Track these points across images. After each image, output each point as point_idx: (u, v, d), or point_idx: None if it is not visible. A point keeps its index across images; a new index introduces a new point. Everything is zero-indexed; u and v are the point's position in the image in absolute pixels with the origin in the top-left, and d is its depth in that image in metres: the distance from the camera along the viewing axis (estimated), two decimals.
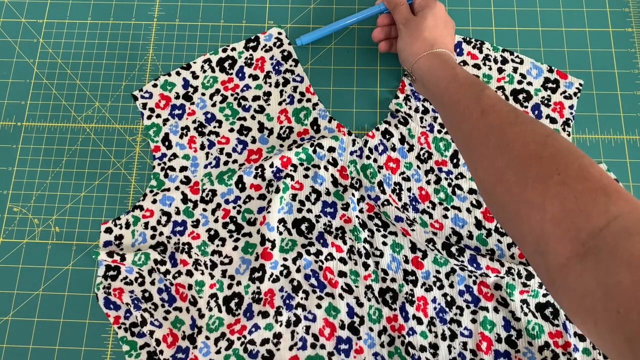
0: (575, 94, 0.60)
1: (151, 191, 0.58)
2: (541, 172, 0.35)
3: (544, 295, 0.53)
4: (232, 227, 0.56)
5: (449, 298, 0.54)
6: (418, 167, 0.58)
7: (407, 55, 0.53)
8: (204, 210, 0.57)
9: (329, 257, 0.54)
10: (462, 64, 0.61)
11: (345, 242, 0.55)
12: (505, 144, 0.38)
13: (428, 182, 0.58)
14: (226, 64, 0.62)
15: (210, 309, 0.53)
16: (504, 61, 0.62)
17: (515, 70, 0.61)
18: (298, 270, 0.54)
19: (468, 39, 0.63)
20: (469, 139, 0.42)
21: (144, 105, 0.61)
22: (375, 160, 0.58)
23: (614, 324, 0.28)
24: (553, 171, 0.34)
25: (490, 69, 0.61)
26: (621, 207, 0.31)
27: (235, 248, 0.56)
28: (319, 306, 0.53)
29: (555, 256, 0.32)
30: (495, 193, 0.38)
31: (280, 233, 0.56)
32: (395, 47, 0.59)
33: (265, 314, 0.52)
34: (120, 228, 0.56)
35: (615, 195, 0.32)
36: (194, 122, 0.60)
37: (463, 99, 0.44)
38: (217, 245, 0.56)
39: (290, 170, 0.57)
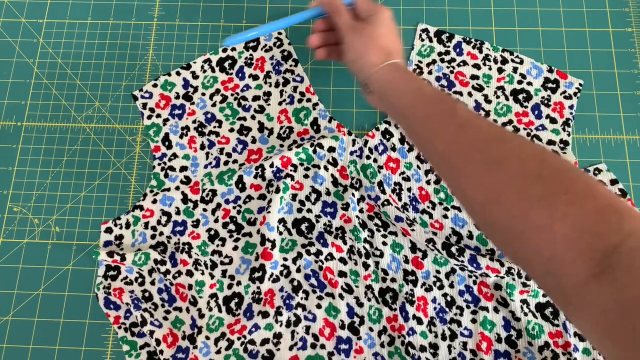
0: (575, 94, 0.60)
1: (151, 191, 0.58)
2: (547, 191, 0.33)
3: (544, 295, 0.53)
4: (232, 227, 0.56)
5: (449, 298, 0.54)
6: (418, 167, 0.58)
7: (362, 65, 0.48)
8: (204, 210, 0.57)
9: (329, 257, 0.54)
10: (462, 64, 0.61)
11: (345, 242, 0.55)
12: (496, 161, 0.36)
13: (428, 182, 0.58)
14: (226, 64, 0.62)
15: (210, 309, 0.53)
16: (504, 61, 0.62)
17: (515, 70, 0.61)
18: (298, 270, 0.54)
19: (468, 39, 0.63)
20: (446, 155, 0.40)
21: (144, 105, 0.61)
22: (375, 160, 0.58)
23: (631, 342, 0.28)
24: (559, 190, 0.33)
25: (490, 69, 0.61)
26: (634, 224, 0.30)
27: (235, 248, 0.56)
28: (319, 306, 0.53)
29: (570, 277, 0.31)
30: (491, 215, 0.36)
31: (280, 233, 0.56)
32: (336, 55, 0.54)
33: (265, 314, 0.52)
34: (120, 228, 0.56)
35: (627, 212, 0.31)
36: (194, 122, 0.60)
37: (435, 114, 0.42)
38: (217, 245, 0.56)
39: (290, 170, 0.57)
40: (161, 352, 0.51)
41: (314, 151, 0.57)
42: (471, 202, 0.38)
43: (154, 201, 0.56)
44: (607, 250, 0.30)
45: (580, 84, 0.61)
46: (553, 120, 0.59)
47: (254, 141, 0.59)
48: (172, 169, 0.58)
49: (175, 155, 0.59)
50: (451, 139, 0.39)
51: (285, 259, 0.55)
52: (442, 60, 0.62)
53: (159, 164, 0.59)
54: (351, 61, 0.50)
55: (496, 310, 0.53)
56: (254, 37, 0.53)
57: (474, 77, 0.61)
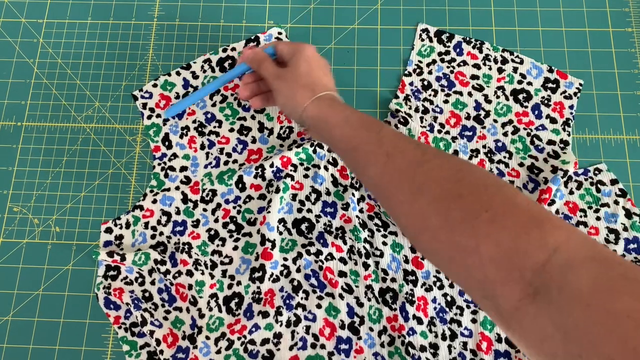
0: (575, 94, 0.60)
1: (151, 191, 0.58)
2: (466, 213, 0.32)
3: None
4: (232, 227, 0.56)
5: (449, 298, 0.54)
6: None
7: (292, 108, 0.49)
8: (204, 210, 0.57)
9: (329, 257, 0.54)
10: (462, 64, 0.62)
11: (345, 242, 0.55)
12: (418, 187, 0.36)
13: None
14: (226, 64, 0.62)
15: (211, 309, 0.53)
16: (504, 61, 0.62)
17: (515, 70, 0.61)
18: (298, 270, 0.54)
19: (468, 39, 0.63)
20: (379, 185, 0.40)
21: (144, 105, 0.61)
22: None
23: None
24: (479, 209, 0.32)
25: (490, 69, 0.61)
26: (557, 237, 0.29)
27: (235, 248, 0.56)
28: (319, 306, 0.53)
29: (504, 300, 0.30)
30: (422, 241, 0.36)
31: (280, 233, 0.56)
32: (272, 101, 0.54)
33: (265, 314, 0.52)
34: (120, 228, 0.56)
35: (548, 224, 0.30)
36: (194, 122, 0.60)
37: (362, 144, 0.41)
38: (217, 245, 0.56)
39: (290, 170, 0.57)
40: (161, 352, 0.51)
41: (314, 151, 0.57)
42: (405, 229, 0.38)
43: (154, 201, 0.56)
44: (536, 269, 0.29)
45: (580, 84, 0.61)
46: (553, 120, 0.59)
47: (254, 141, 0.59)
48: (172, 169, 0.58)
49: (175, 155, 0.59)
50: (381, 169, 0.39)
51: (285, 259, 0.55)
52: (442, 60, 0.62)
53: (159, 164, 0.59)
54: (282, 105, 0.50)
55: None
56: (192, 103, 0.55)
57: (474, 77, 0.61)
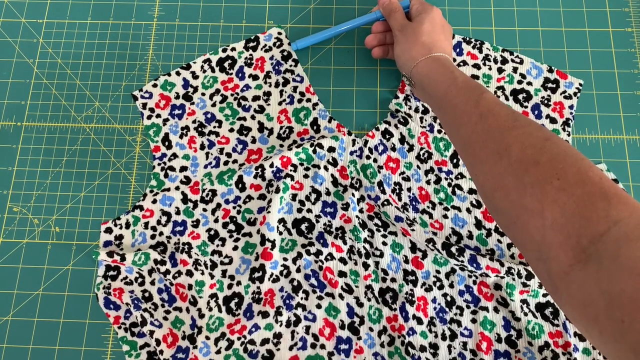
0: (575, 94, 0.60)
1: (151, 191, 0.58)
2: (539, 178, 0.34)
3: (544, 295, 0.53)
4: (232, 227, 0.56)
5: (449, 298, 0.54)
6: (418, 167, 0.58)
7: (406, 60, 0.53)
8: (204, 210, 0.57)
9: (329, 257, 0.54)
10: (462, 64, 0.62)
11: (345, 242, 0.55)
12: (504, 148, 0.38)
13: (428, 182, 0.58)
14: (226, 64, 0.62)
15: (210, 309, 0.53)
16: (504, 61, 0.62)
17: (515, 70, 0.61)
18: (298, 270, 0.54)
19: (468, 39, 0.63)
20: (467, 143, 0.42)
21: (144, 105, 0.61)
22: (375, 160, 0.58)
23: (618, 334, 0.28)
24: (552, 176, 0.34)
25: (490, 69, 0.61)
26: (621, 212, 0.31)
27: (235, 248, 0.56)
28: (319, 306, 0.53)
29: (557, 263, 0.32)
30: (495, 198, 0.38)
31: (280, 233, 0.56)
32: (391, 54, 0.60)
33: (265, 314, 0.52)
34: (120, 228, 0.56)
35: (615, 199, 0.31)
36: (194, 122, 0.60)
37: (461, 103, 0.44)
38: (217, 245, 0.56)
39: (290, 170, 0.57)
40: (161, 352, 0.51)
41: (314, 151, 0.57)
42: (482, 187, 0.40)
43: (154, 201, 0.56)
44: (594, 237, 0.30)
45: (580, 84, 0.61)
46: (553, 120, 0.59)
47: (254, 141, 0.59)
48: (172, 169, 0.58)
49: (175, 155, 0.59)
50: (472, 128, 0.41)
51: (285, 259, 0.55)
52: None
53: (159, 164, 0.59)
54: (397, 56, 0.55)
55: (496, 310, 0.53)
56: (321, 40, 0.62)
57: (474, 77, 0.61)
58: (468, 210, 0.56)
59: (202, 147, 0.59)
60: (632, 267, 0.28)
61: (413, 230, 0.54)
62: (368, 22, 0.60)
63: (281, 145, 0.59)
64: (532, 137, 0.37)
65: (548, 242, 0.33)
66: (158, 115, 0.60)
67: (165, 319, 0.53)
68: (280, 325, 0.52)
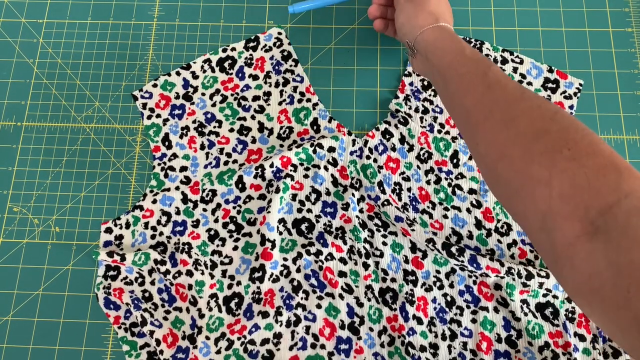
0: (575, 94, 0.60)
1: (151, 191, 0.58)
2: (549, 147, 0.34)
3: (544, 295, 0.53)
4: (232, 227, 0.56)
5: (449, 298, 0.54)
6: (418, 167, 0.58)
7: (411, 27, 0.52)
8: (204, 210, 0.57)
9: (329, 257, 0.54)
10: None
11: (345, 242, 0.55)
12: (511, 118, 0.37)
13: (428, 182, 0.58)
14: (226, 64, 0.62)
15: (210, 309, 0.53)
16: (504, 61, 0.62)
17: (515, 70, 0.61)
18: (298, 270, 0.54)
19: (468, 39, 0.63)
20: (470, 112, 0.41)
21: (144, 105, 0.61)
22: (375, 160, 0.58)
23: (622, 303, 0.28)
24: (562, 146, 0.33)
25: None
26: (632, 185, 0.30)
27: (235, 248, 0.56)
28: (319, 306, 0.53)
29: (562, 234, 0.31)
30: (498, 168, 0.37)
31: (280, 233, 0.56)
32: (390, 30, 0.59)
33: (265, 314, 0.52)
34: (120, 228, 0.56)
35: (627, 172, 0.31)
36: (194, 122, 0.60)
37: (468, 73, 0.43)
38: (217, 245, 0.56)
39: (290, 170, 0.57)
40: (161, 352, 0.51)
41: (314, 151, 0.57)
42: (483, 156, 0.39)
43: (154, 201, 0.56)
44: (603, 209, 0.30)
45: (580, 84, 0.61)
46: None
47: (254, 141, 0.59)
48: (172, 169, 0.58)
49: (175, 155, 0.59)
50: (478, 97, 0.41)
51: (285, 259, 0.55)
52: None
53: (159, 164, 0.59)
54: (401, 24, 0.53)
55: (496, 310, 0.53)
56: (320, 6, 0.60)
57: None
58: (468, 210, 0.56)
59: (202, 147, 0.59)
60: None
61: (413, 230, 0.54)
62: None
63: (281, 145, 0.59)
64: (541, 109, 0.37)
65: (554, 212, 0.32)
66: (158, 115, 0.60)
67: (165, 319, 0.53)
68: (280, 325, 0.52)
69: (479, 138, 0.40)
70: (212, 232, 0.56)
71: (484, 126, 0.39)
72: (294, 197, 0.57)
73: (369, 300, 0.53)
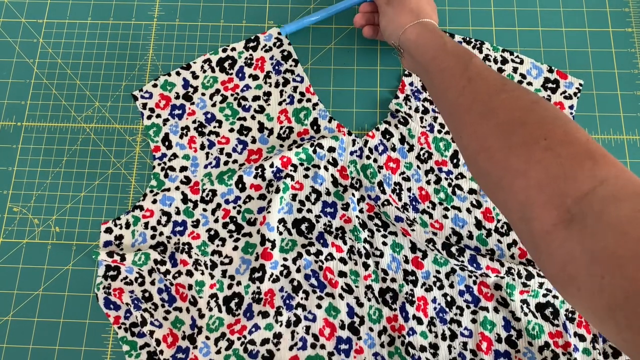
0: (575, 94, 0.60)
1: (151, 191, 0.58)
2: (526, 138, 0.34)
3: (544, 295, 0.53)
4: (232, 227, 0.56)
5: (449, 298, 0.54)
6: (418, 167, 0.58)
7: (394, 28, 0.52)
8: (204, 210, 0.57)
9: (329, 257, 0.54)
10: None
11: (345, 242, 0.55)
12: (490, 110, 0.38)
13: (428, 182, 0.58)
14: (226, 64, 0.62)
15: (210, 309, 0.53)
16: (504, 61, 0.62)
17: (515, 70, 0.61)
18: (298, 270, 0.54)
19: (468, 39, 0.63)
20: (454, 106, 0.42)
21: (144, 105, 0.61)
22: (375, 160, 0.58)
23: (597, 290, 0.28)
24: (539, 136, 0.34)
25: None
26: (607, 172, 0.30)
27: (235, 248, 0.56)
28: (319, 306, 0.53)
29: (540, 223, 0.32)
30: (478, 160, 0.38)
31: (280, 233, 0.56)
32: (380, 34, 0.60)
33: (265, 314, 0.52)
34: (120, 228, 0.56)
35: (602, 160, 0.31)
36: (194, 122, 0.60)
37: (450, 68, 0.44)
38: (217, 245, 0.56)
39: (290, 170, 0.57)
40: (161, 352, 0.51)
41: (314, 151, 0.57)
42: (466, 149, 0.40)
43: (154, 201, 0.56)
44: (579, 197, 0.30)
45: (580, 84, 0.61)
46: None
47: (254, 141, 0.59)
48: (172, 169, 0.58)
49: (175, 155, 0.59)
50: (460, 91, 0.41)
51: (285, 259, 0.55)
52: None
53: (159, 164, 0.59)
54: (384, 27, 0.55)
55: (496, 310, 0.53)
56: (310, 23, 0.63)
57: None
58: (468, 211, 0.56)
59: (202, 147, 0.59)
60: (616, 225, 0.28)
61: (413, 230, 0.54)
62: (357, 3, 0.61)
63: (281, 146, 0.59)
64: (520, 100, 0.37)
65: (532, 201, 0.33)
66: (158, 115, 0.60)
67: (165, 319, 0.53)
68: (281, 326, 0.52)
69: (462, 131, 0.40)
70: (212, 232, 0.56)
71: (465, 119, 0.40)
72: (294, 197, 0.57)
73: (369, 300, 0.53)
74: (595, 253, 0.28)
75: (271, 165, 0.56)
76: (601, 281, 0.27)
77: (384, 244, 0.55)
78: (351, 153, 0.58)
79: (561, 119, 0.35)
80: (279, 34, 0.63)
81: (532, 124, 0.35)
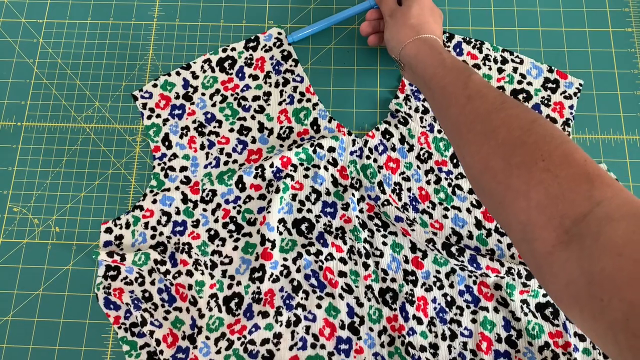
0: (575, 94, 0.60)
1: (151, 191, 0.58)
2: (525, 159, 0.35)
3: (544, 295, 0.53)
4: (232, 227, 0.56)
5: (449, 298, 0.54)
6: (418, 167, 0.58)
7: (395, 43, 0.53)
8: (204, 210, 0.57)
9: (329, 257, 0.54)
10: None
11: (345, 242, 0.55)
12: (491, 130, 0.38)
13: (428, 182, 0.58)
14: (226, 64, 0.62)
15: (210, 309, 0.53)
16: (504, 61, 0.62)
17: (515, 70, 0.61)
18: (298, 270, 0.54)
19: (468, 39, 0.63)
20: (455, 125, 0.42)
21: (144, 105, 0.61)
22: (375, 160, 0.58)
23: (597, 312, 0.28)
24: (537, 157, 0.34)
25: (490, 69, 0.61)
26: (604, 193, 0.31)
27: (235, 248, 0.56)
28: (319, 306, 0.53)
29: (540, 244, 0.32)
30: (482, 180, 0.38)
31: (280, 233, 0.56)
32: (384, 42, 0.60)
33: (265, 314, 0.52)
34: (120, 228, 0.56)
35: (598, 180, 0.32)
36: (194, 122, 0.60)
37: (449, 85, 0.44)
38: (217, 245, 0.56)
39: (290, 170, 0.57)
40: (161, 352, 0.51)
41: (314, 151, 0.57)
42: (469, 168, 0.40)
43: (154, 201, 0.56)
44: (577, 218, 0.31)
45: (580, 84, 0.61)
46: (553, 120, 0.59)
47: (254, 141, 0.59)
48: (172, 169, 0.58)
49: (175, 155, 0.59)
50: (460, 110, 0.41)
51: (285, 259, 0.55)
52: None
53: (159, 164, 0.59)
54: (387, 40, 0.55)
55: (496, 310, 0.53)
56: (318, 31, 0.63)
57: None
58: (468, 211, 0.56)
59: (202, 147, 0.59)
60: (612, 246, 0.28)
61: (413, 230, 0.54)
62: (363, 11, 0.61)
63: (281, 146, 0.59)
64: (519, 119, 0.37)
65: (532, 223, 0.33)
66: (158, 115, 0.60)
67: (165, 319, 0.53)
68: (281, 325, 0.52)
69: (465, 151, 0.40)
70: (212, 232, 0.56)
71: (467, 138, 0.40)
72: (294, 197, 0.57)
73: (369, 300, 0.53)
74: (593, 275, 0.28)
75: (271, 165, 0.56)
76: (600, 303, 0.28)
77: (384, 244, 0.55)
78: (351, 153, 0.58)
79: (559, 138, 0.35)
80: (279, 34, 0.63)
81: (531, 144, 0.35)
